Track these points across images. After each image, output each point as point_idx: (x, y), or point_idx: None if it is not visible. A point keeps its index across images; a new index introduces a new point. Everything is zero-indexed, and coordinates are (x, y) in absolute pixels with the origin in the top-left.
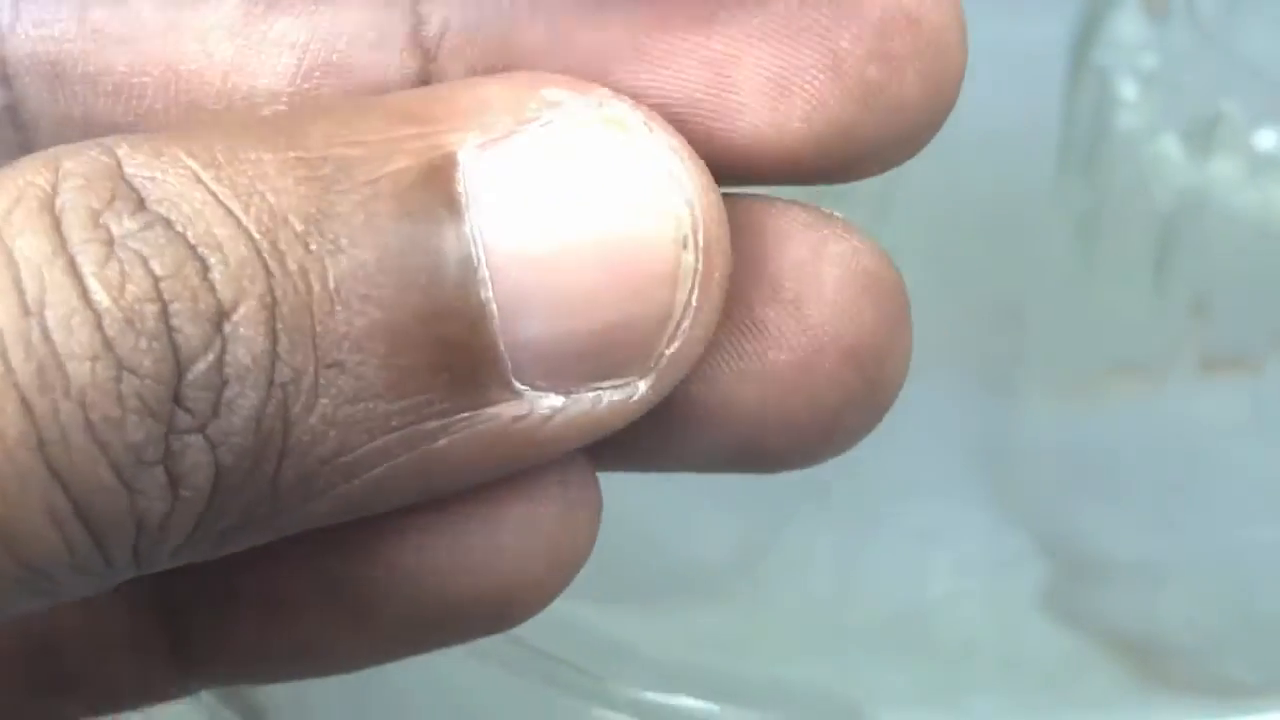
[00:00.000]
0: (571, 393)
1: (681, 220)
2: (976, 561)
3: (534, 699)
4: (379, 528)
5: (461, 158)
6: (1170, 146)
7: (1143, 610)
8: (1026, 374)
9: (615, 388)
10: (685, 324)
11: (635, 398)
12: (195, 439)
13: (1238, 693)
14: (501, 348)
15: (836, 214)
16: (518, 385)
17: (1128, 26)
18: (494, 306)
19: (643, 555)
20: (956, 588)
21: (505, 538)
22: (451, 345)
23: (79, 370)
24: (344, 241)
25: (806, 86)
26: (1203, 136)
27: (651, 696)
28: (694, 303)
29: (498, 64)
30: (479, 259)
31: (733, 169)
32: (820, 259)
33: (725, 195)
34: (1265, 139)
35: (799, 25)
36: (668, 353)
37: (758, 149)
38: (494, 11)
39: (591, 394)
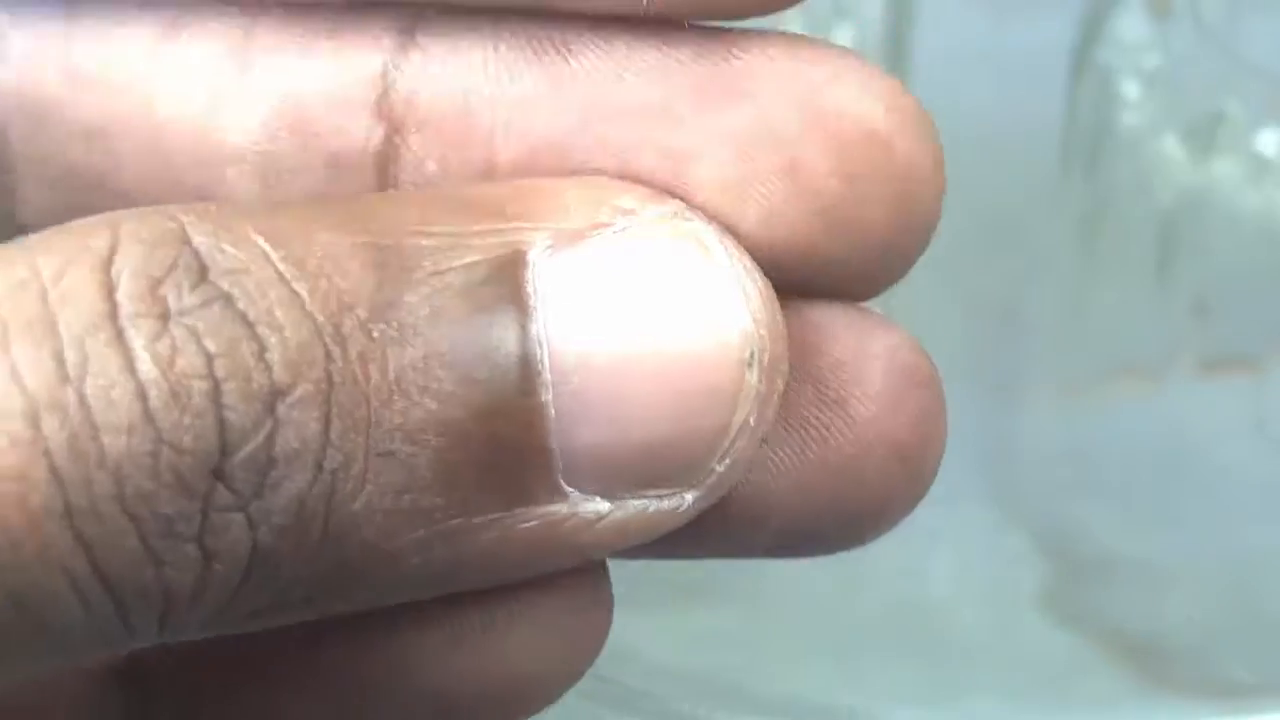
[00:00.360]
0: (619, 499)
1: (748, 339)
2: (978, 561)
3: None
4: (372, 616)
5: (532, 257)
6: (1172, 146)
7: (1143, 610)
8: (1027, 374)
9: (662, 497)
10: (741, 443)
11: (682, 509)
12: (236, 517)
13: (1238, 693)
14: (555, 450)
15: (874, 310)
16: (566, 488)
17: (1130, 26)
18: (552, 410)
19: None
20: (958, 588)
21: (513, 633)
22: (505, 444)
23: (114, 442)
24: (409, 332)
25: (762, 191)
26: (1205, 137)
27: (653, 697)
28: (751, 423)
29: (460, 139)
30: (543, 361)
31: None
32: (863, 357)
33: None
34: (1267, 139)
35: (764, 131)
36: (719, 469)
37: None
38: (459, 88)
39: (639, 502)
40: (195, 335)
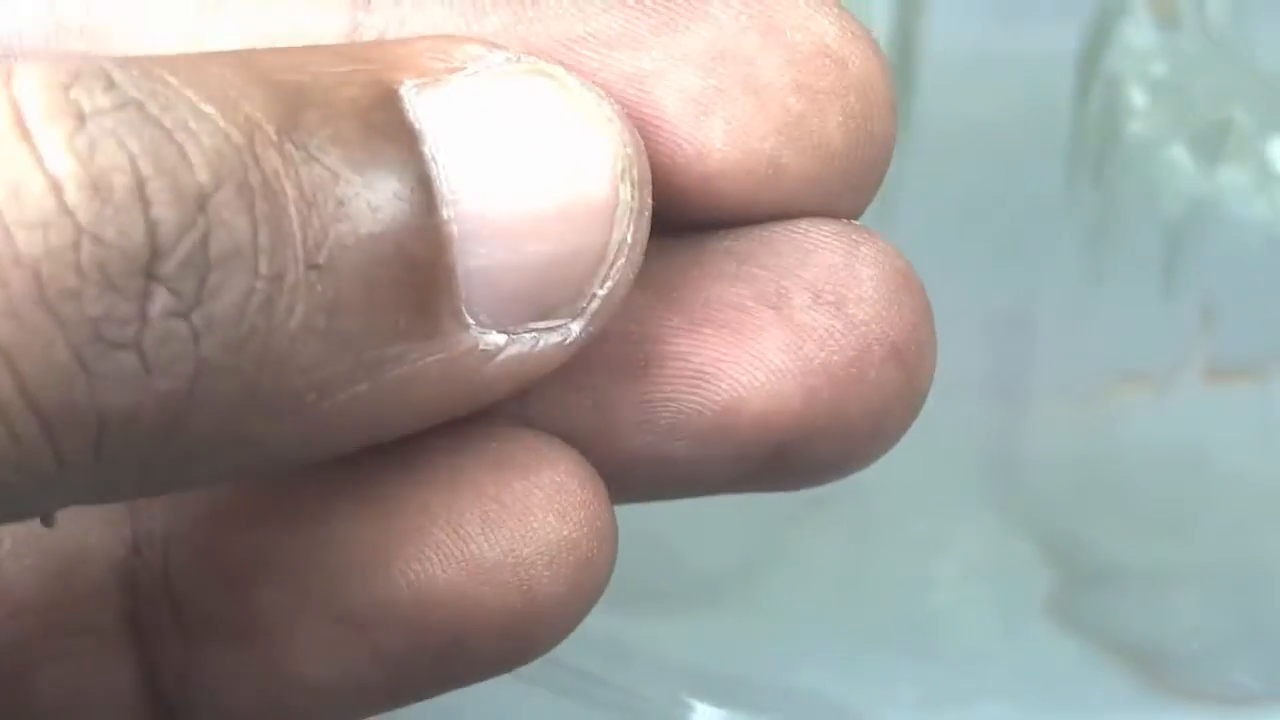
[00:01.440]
0: (511, 332)
1: (618, 156)
2: (983, 568)
3: (536, 704)
4: (377, 542)
5: (403, 92)
6: (1179, 155)
7: (1149, 618)
8: (1034, 381)
9: (550, 329)
10: (620, 262)
11: (569, 340)
12: (178, 325)
13: (1244, 700)
14: (459, 272)
15: (856, 222)
16: (466, 317)
17: (1137, 34)
18: (454, 227)
19: (648, 561)
20: (963, 594)
21: (520, 547)
22: (417, 263)
23: (29, 238)
24: (315, 151)
25: (727, 108)
26: (1212, 145)
27: (656, 702)
28: (629, 239)
29: None
30: (441, 180)
31: (655, 195)
32: (855, 261)
33: (750, 228)
34: (1275, 148)
35: (724, 50)
36: (600, 293)
37: (679, 172)
38: (429, 25)
39: (530, 335)
40: (114, 134)
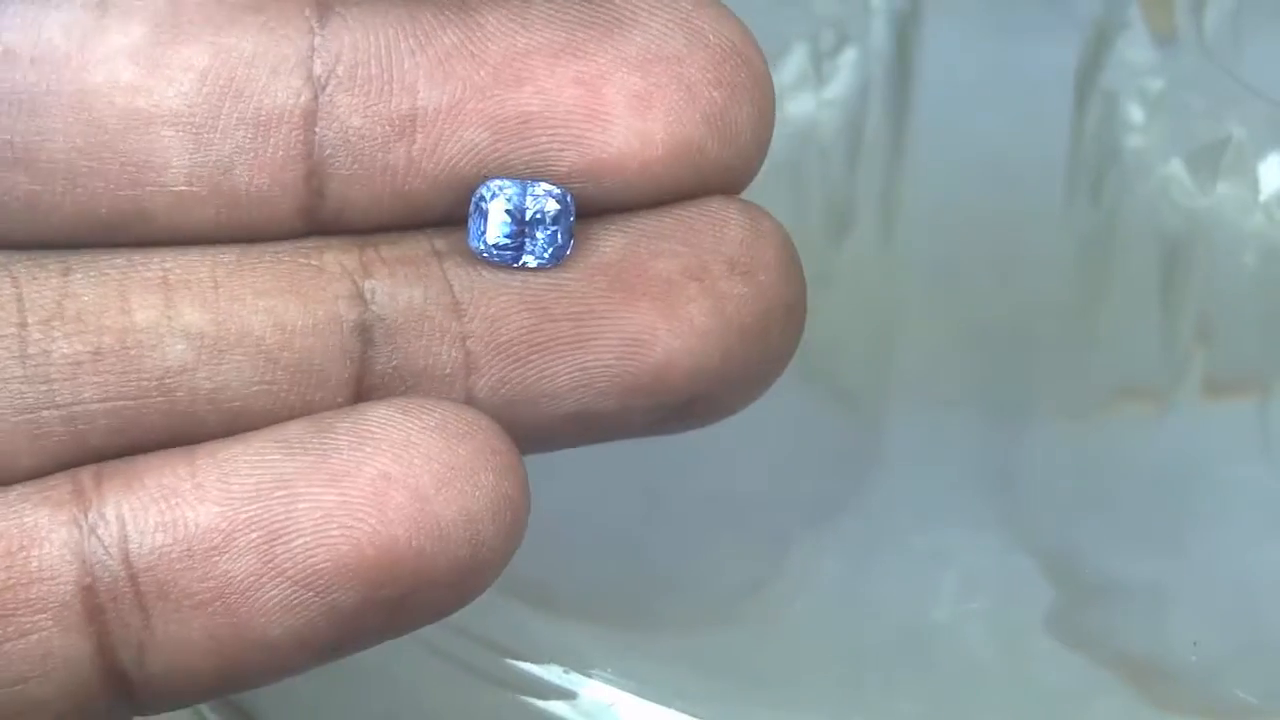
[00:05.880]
0: None
1: None
2: (983, 583)
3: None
4: (339, 508)
5: None
6: (1177, 170)
7: (1150, 633)
8: (1033, 397)
9: None
10: None
11: None
12: None
13: (1245, 716)
14: None
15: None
16: None
17: (1134, 50)
18: None
19: (649, 578)
20: (963, 610)
21: (470, 505)
22: None
23: None
24: None
25: (665, 103)
26: (1210, 161)
27: (657, 717)
28: None
29: (384, 91)
30: None
31: (602, 178)
32: (759, 236)
33: (668, 208)
34: (1272, 164)
35: (656, 53)
36: None
37: (623, 159)
38: (382, 44)
39: None
40: None
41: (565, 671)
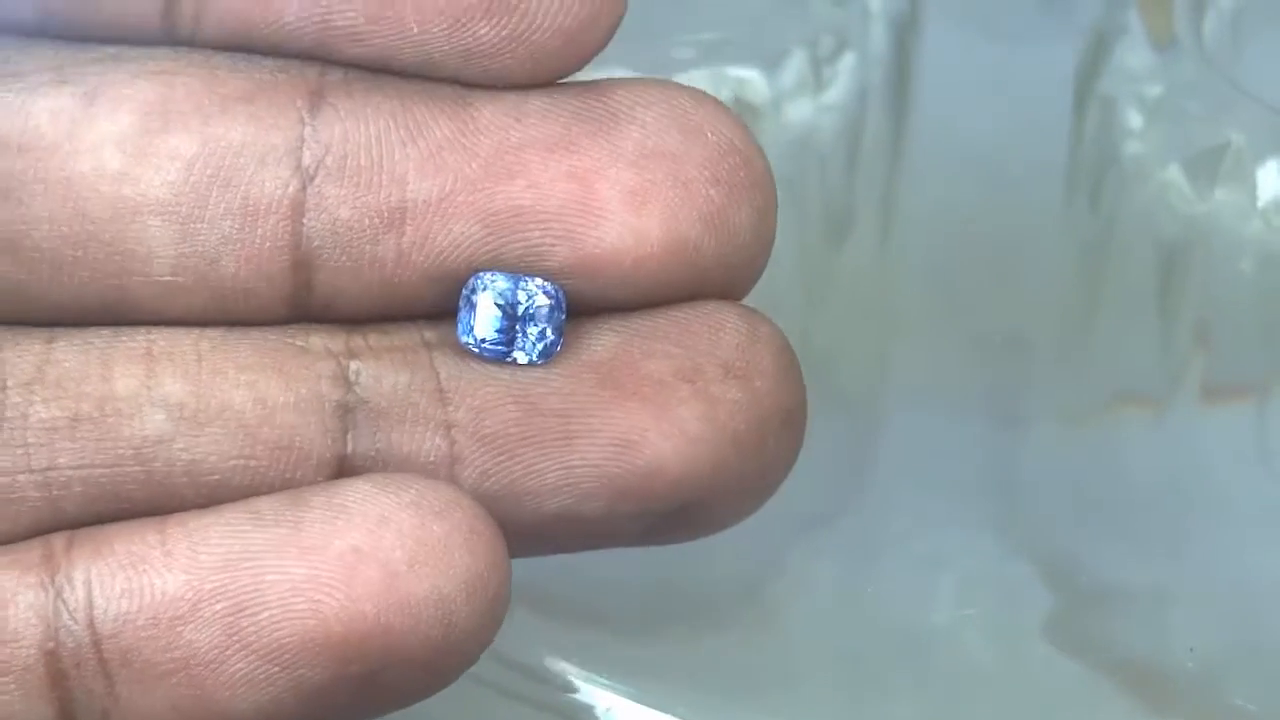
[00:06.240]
0: None
1: None
2: (981, 588)
3: None
4: (307, 581)
5: None
6: (1175, 176)
7: (1148, 639)
8: (1030, 402)
9: None
10: None
11: None
12: None
13: None
14: None
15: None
16: None
17: (1133, 56)
18: None
19: (647, 582)
20: (961, 615)
21: (442, 583)
22: None
23: None
24: None
25: (661, 200)
26: (1208, 166)
27: None
28: None
29: (374, 182)
30: None
31: (595, 274)
32: (756, 340)
33: (664, 309)
34: (1270, 169)
35: (652, 149)
36: None
37: (617, 255)
38: (373, 135)
39: None
40: None
41: (562, 676)
